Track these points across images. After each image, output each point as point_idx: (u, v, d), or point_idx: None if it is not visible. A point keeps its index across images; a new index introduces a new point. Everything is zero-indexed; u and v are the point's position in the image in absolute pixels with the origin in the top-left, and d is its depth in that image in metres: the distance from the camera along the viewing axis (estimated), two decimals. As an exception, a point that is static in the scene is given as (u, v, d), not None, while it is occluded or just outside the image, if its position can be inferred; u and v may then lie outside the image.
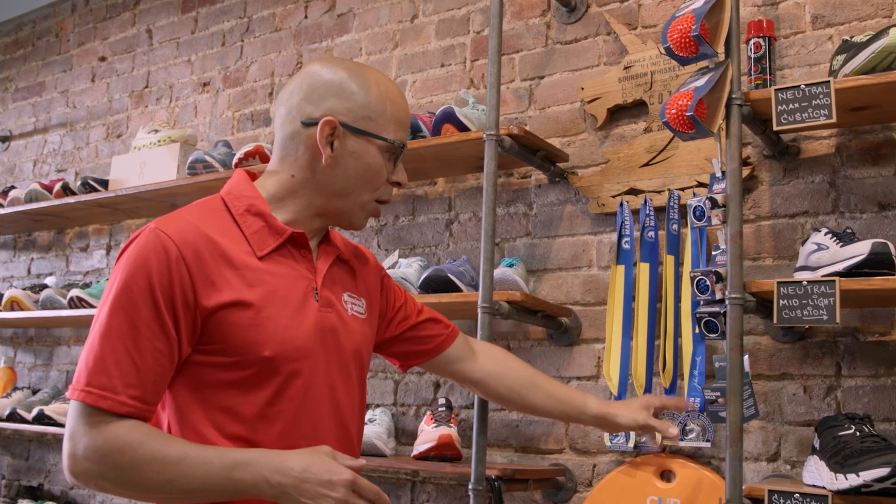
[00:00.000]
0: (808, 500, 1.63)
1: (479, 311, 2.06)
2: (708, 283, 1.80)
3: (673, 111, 1.76)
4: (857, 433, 1.69)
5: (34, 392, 3.43)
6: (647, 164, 2.29)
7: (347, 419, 1.40)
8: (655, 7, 2.38)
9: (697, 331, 1.83)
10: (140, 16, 3.78)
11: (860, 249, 1.69)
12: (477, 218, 2.58)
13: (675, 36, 1.78)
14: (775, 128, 1.79)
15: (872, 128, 2.02)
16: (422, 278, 2.29)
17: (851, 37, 1.87)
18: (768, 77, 2.01)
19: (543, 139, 2.33)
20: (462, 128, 2.32)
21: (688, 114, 1.74)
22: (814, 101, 1.75)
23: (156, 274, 1.24)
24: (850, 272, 1.70)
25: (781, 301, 1.71)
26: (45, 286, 3.46)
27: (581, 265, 2.37)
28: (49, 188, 3.33)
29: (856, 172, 2.03)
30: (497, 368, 1.73)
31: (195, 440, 1.26)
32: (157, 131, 3.16)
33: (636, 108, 2.36)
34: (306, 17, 3.17)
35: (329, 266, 1.43)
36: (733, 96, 1.81)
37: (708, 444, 2.03)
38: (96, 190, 3.18)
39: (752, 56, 2.02)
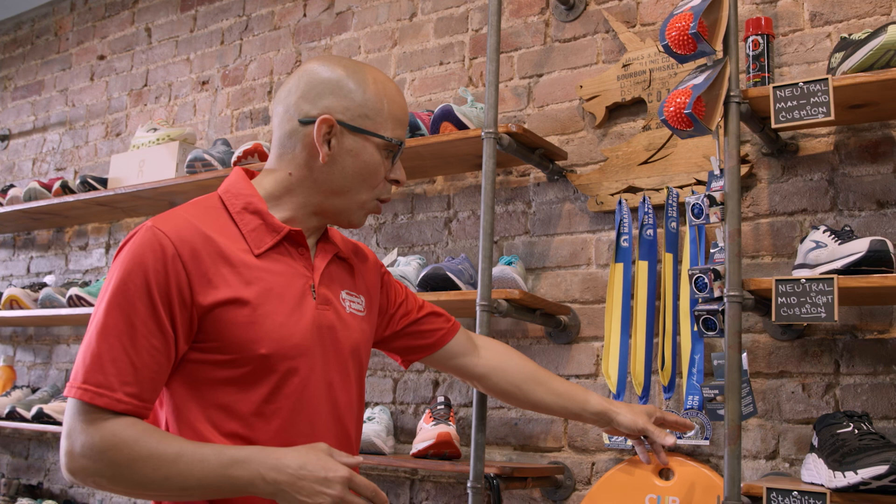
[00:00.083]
0: (806, 497, 1.63)
1: (477, 309, 2.06)
2: (706, 280, 1.80)
3: (671, 109, 1.76)
4: (856, 431, 1.69)
5: (33, 391, 3.43)
6: (645, 162, 2.29)
7: (345, 417, 1.40)
8: (654, 5, 2.38)
9: (696, 329, 1.83)
10: (139, 14, 3.78)
11: (858, 247, 1.69)
12: (476, 216, 2.58)
13: (674, 33, 1.78)
14: (773, 125, 1.79)
15: (871, 125, 2.02)
16: (420, 276, 2.29)
17: (850, 34, 1.87)
18: (766, 75, 2.00)
19: (542, 137, 2.33)
20: (461, 126, 2.32)
21: (686, 111, 1.74)
22: (812, 99, 1.75)
23: (152, 272, 1.24)
24: (848, 270, 1.70)
25: (780, 299, 1.71)
26: (44, 285, 3.46)
27: (580, 263, 2.37)
28: (48, 187, 3.33)
29: (854, 170, 2.03)
30: (499, 363, 1.73)
31: (192, 438, 1.26)
32: (155, 130, 3.16)
33: (635, 106, 2.36)
34: (305, 15, 3.16)
35: (327, 264, 1.43)
36: (731, 94, 1.81)
37: (707, 442, 2.03)
38: (95, 188, 3.18)
39: (751, 54, 2.02)
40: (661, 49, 1.82)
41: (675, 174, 2.24)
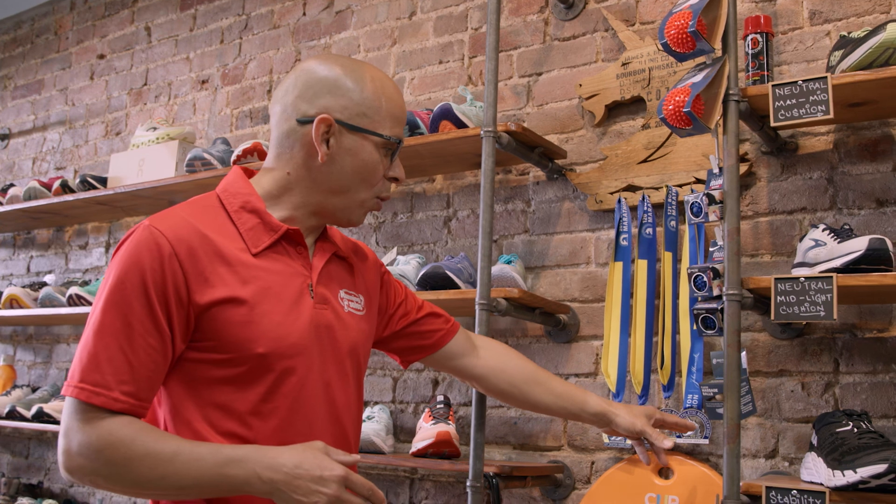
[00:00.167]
0: (805, 496, 1.63)
1: (476, 308, 2.06)
2: (705, 279, 1.80)
3: (670, 107, 1.76)
4: (855, 430, 1.69)
5: (34, 390, 3.43)
6: (644, 161, 2.29)
7: (343, 416, 1.40)
8: (653, 3, 2.38)
9: (695, 327, 1.83)
10: (139, 13, 3.78)
11: (857, 245, 1.69)
12: (475, 215, 2.58)
13: (672, 32, 1.78)
14: (773, 124, 1.79)
15: (870, 124, 2.02)
16: (420, 275, 2.28)
17: (849, 32, 1.86)
18: (766, 73, 2.00)
19: (541, 136, 2.33)
20: (460, 124, 2.31)
21: (685, 110, 1.73)
22: (811, 97, 1.74)
23: (149, 271, 1.24)
24: (847, 268, 1.69)
25: (779, 297, 1.70)
26: (44, 284, 3.46)
27: (579, 262, 2.37)
28: (48, 186, 3.33)
29: (854, 169, 2.02)
30: (498, 364, 1.73)
31: (189, 436, 1.26)
32: (155, 129, 3.16)
33: (634, 105, 2.36)
34: (304, 14, 3.16)
35: (325, 263, 1.43)
36: (730, 92, 1.80)
37: (706, 441, 2.03)
38: (95, 187, 3.18)
39: (750, 52, 2.02)
40: (660, 47, 1.81)
41: (675, 173, 2.23)
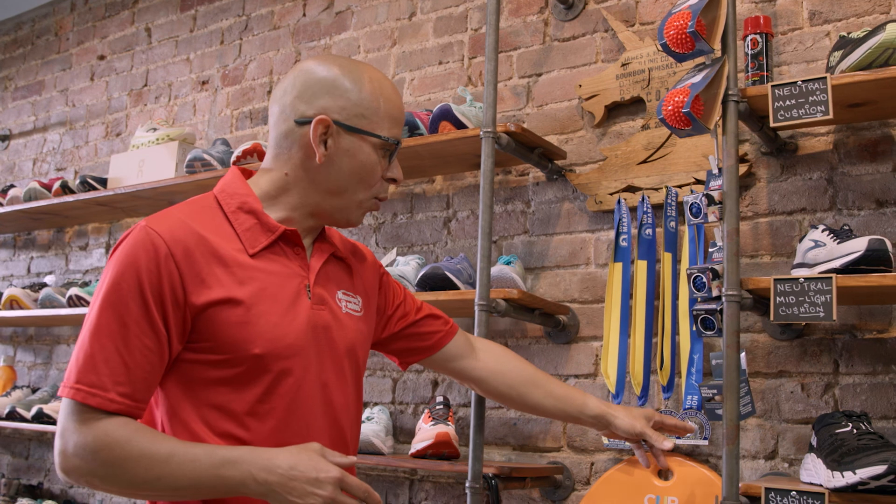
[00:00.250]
0: (804, 497, 1.63)
1: (476, 308, 2.05)
2: (704, 280, 1.80)
3: (669, 108, 1.76)
4: (855, 431, 1.69)
5: (34, 391, 3.43)
6: (644, 162, 2.28)
7: (341, 417, 1.39)
8: (653, 4, 2.38)
9: (694, 328, 1.83)
10: (139, 14, 3.78)
11: (857, 246, 1.69)
12: (475, 216, 2.58)
13: (672, 32, 1.78)
14: (772, 124, 1.79)
15: (870, 124, 2.01)
16: (419, 276, 2.28)
17: (849, 33, 1.86)
18: (765, 73, 2.00)
19: (541, 136, 2.33)
20: (459, 125, 2.31)
21: (684, 110, 1.73)
22: (810, 98, 1.74)
23: (145, 271, 1.24)
24: (846, 269, 1.69)
25: (778, 298, 1.70)
26: (44, 285, 3.46)
27: (579, 263, 2.37)
28: (48, 187, 3.33)
29: (853, 169, 2.02)
30: (497, 366, 1.72)
31: (186, 437, 1.26)
32: (155, 129, 3.16)
33: (634, 106, 2.35)
34: (304, 15, 3.16)
35: (323, 263, 1.42)
36: (730, 93, 1.80)
37: (706, 442, 2.02)
38: (95, 188, 3.18)
39: (749, 52, 2.02)
40: (660, 48, 1.81)
41: (674, 173, 2.23)
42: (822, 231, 1.81)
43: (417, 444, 2.24)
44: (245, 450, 1.23)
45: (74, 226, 3.71)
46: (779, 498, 1.65)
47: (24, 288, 3.42)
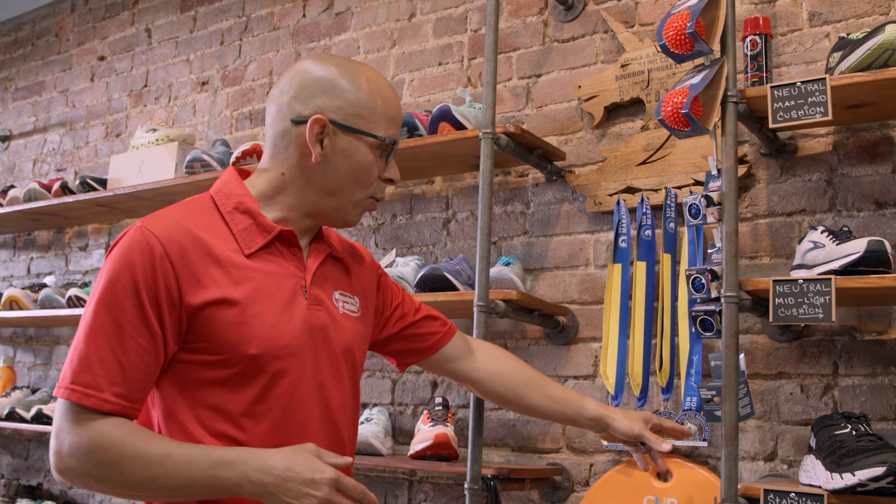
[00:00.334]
0: (803, 499, 1.62)
1: (474, 309, 2.05)
2: (703, 281, 1.79)
3: (668, 108, 1.76)
4: (854, 432, 1.68)
5: (33, 391, 3.43)
6: (644, 163, 2.28)
7: (338, 418, 1.39)
8: (652, 5, 2.37)
9: (693, 330, 1.82)
10: (139, 15, 3.78)
11: (856, 247, 1.69)
12: (474, 217, 2.58)
13: (671, 33, 1.78)
14: (771, 125, 1.79)
15: (869, 125, 2.01)
16: (418, 277, 2.28)
17: (848, 34, 1.86)
18: (765, 74, 2.00)
19: (540, 137, 2.33)
20: (458, 126, 2.31)
21: (683, 111, 1.73)
22: (810, 99, 1.74)
23: (140, 272, 1.24)
24: (846, 270, 1.69)
25: (777, 299, 1.70)
26: (44, 285, 3.46)
27: (578, 264, 2.37)
28: (48, 187, 3.33)
29: (853, 170, 2.02)
30: (495, 368, 1.72)
31: (182, 438, 1.26)
32: (155, 130, 3.16)
33: (633, 107, 2.35)
34: (304, 15, 3.16)
35: (320, 264, 1.42)
36: (729, 93, 1.80)
37: (705, 444, 2.02)
38: (95, 189, 3.18)
39: (749, 53, 2.01)
40: (659, 49, 1.81)
41: (674, 174, 2.23)
42: (822, 232, 1.81)
43: (416, 445, 2.24)
44: (240, 450, 1.23)
45: (74, 226, 3.71)
46: (778, 499, 1.65)
47: (23, 289, 3.42)
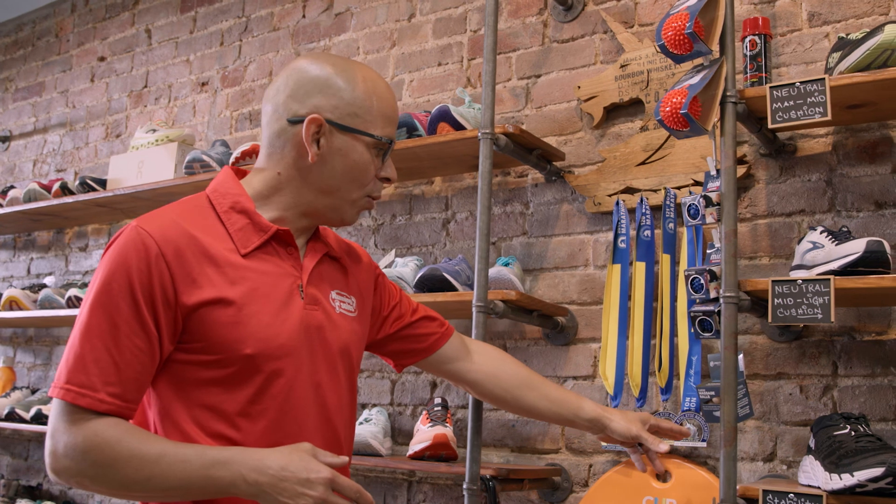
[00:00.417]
0: (802, 500, 1.62)
1: (473, 310, 2.05)
2: (702, 281, 1.79)
3: (667, 109, 1.75)
4: (853, 433, 1.68)
5: (33, 392, 3.43)
6: (643, 163, 2.28)
7: (335, 418, 1.39)
8: (652, 5, 2.37)
9: (692, 330, 1.82)
10: (139, 15, 3.78)
11: (855, 248, 1.68)
12: (474, 217, 2.58)
13: (670, 33, 1.77)
14: (770, 126, 1.78)
15: (869, 126, 2.01)
16: (417, 277, 2.28)
17: (847, 34, 1.86)
18: (764, 75, 2.00)
19: (539, 138, 2.32)
20: (458, 127, 2.31)
21: (682, 111, 1.73)
22: (809, 99, 1.74)
23: (135, 271, 1.23)
24: (845, 271, 1.69)
25: (776, 300, 1.70)
26: (44, 286, 3.46)
27: (577, 264, 2.36)
28: (48, 188, 3.33)
29: (852, 171, 2.02)
30: (492, 369, 1.71)
31: (178, 438, 1.26)
32: (154, 131, 3.16)
33: (633, 107, 2.35)
34: (304, 16, 3.16)
35: (316, 263, 1.42)
36: (728, 94, 1.80)
37: (704, 444, 2.02)
38: (94, 189, 3.18)
39: (748, 54, 2.01)
40: (658, 49, 1.81)
41: (673, 175, 2.23)
42: (821, 233, 1.81)
43: (415, 446, 2.24)
44: (235, 450, 1.22)
45: (74, 227, 3.72)
46: (776, 500, 1.65)
47: (23, 289, 3.42)
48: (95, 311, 1.22)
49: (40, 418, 3.08)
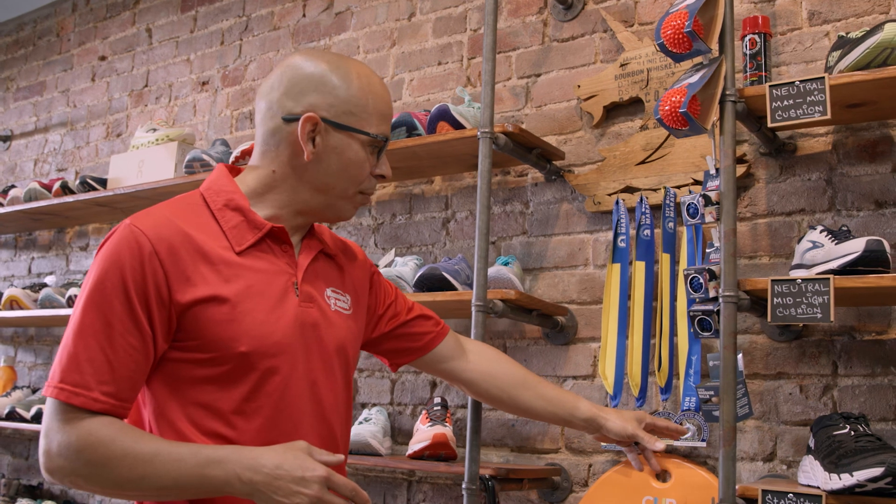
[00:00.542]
0: (801, 500, 1.62)
1: (472, 309, 2.05)
2: (701, 280, 1.79)
3: (666, 108, 1.75)
4: (852, 433, 1.68)
5: (34, 391, 3.43)
6: (643, 162, 2.28)
7: (330, 416, 1.38)
8: (652, 4, 2.37)
9: (692, 329, 1.82)
10: (140, 15, 3.78)
11: (854, 247, 1.68)
12: (473, 216, 2.57)
13: (669, 32, 1.77)
14: (770, 124, 1.78)
15: (869, 125, 2.00)
16: (416, 277, 2.28)
17: (847, 33, 1.85)
18: (764, 74, 1.99)
19: (539, 137, 2.32)
20: (457, 126, 2.31)
21: (681, 110, 1.72)
22: (808, 98, 1.73)
23: (129, 270, 1.23)
24: (844, 270, 1.68)
25: (775, 299, 1.69)
26: (44, 285, 3.46)
27: (577, 264, 2.36)
28: (48, 187, 3.33)
29: (852, 170, 2.01)
30: (488, 368, 1.70)
31: (173, 437, 1.25)
32: (155, 130, 3.16)
33: (632, 106, 2.35)
34: (304, 15, 3.16)
35: (311, 261, 1.41)
36: (727, 93, 1.79)
37: (704, 444, 2.01)
38: (95, 189, 3.18)
39: (748, 53, 2.01)
40: (657, 48, 1.80)
41: (673, 174, 2.22)
42: (821, 232, 1.80)
43: (414, 445, 2.23)
44: (230, 449, 1.22)
45: (75, 226, 3.72)
46: (776, 500, 1.64)
47: (24, 288, 3.42)
48: (89, 310, 1.22)
49: (41, 418, 3.07)
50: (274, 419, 1.30)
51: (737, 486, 1.69)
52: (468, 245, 2.56)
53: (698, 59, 1.87)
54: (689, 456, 2.09)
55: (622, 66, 2.35)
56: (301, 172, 1.37)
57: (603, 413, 1.69)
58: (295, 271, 1.38)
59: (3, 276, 3.98)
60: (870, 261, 1.66)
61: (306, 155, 1.34)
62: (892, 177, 1.97)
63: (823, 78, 1.72)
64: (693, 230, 2.10)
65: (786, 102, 1.75)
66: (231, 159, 2.72)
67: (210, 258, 1.29)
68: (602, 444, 2.15)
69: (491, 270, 2.18)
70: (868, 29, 1.78)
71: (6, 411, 3.22)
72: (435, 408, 2.32)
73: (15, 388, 3.46)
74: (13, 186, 3.54)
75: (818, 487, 1.64)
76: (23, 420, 3.16)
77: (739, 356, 1.77)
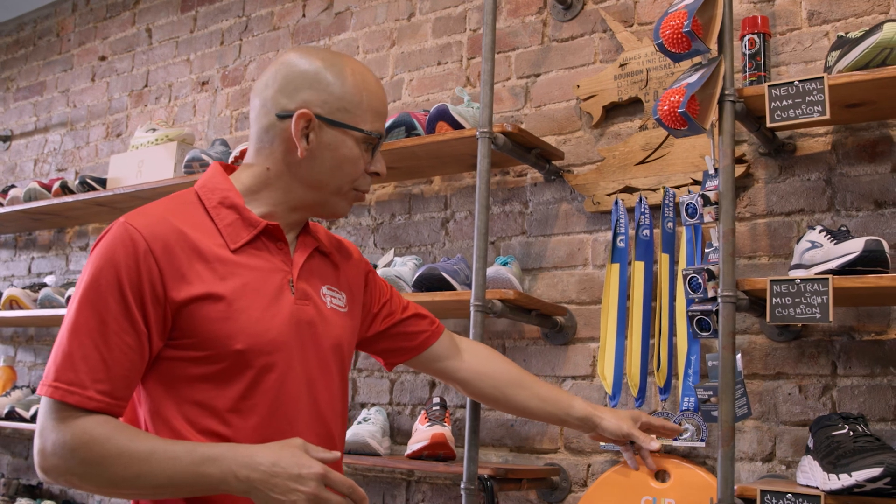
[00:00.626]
0: (800, 500, 1.61)
1: (471, 309, 2.04)
2: (700, 280, 1.78)
3: (665, 108, 1.75)
4: (851, 433, 1.67)
5: (33, 391, 3.43)
6: (642, 162, 2.27)
7: (326, 414, 1.38)
8: (651, 4, 2.37)
9: (690, 329, 1.81)
10: (140, 15, 3.78)
11: (853, 247, 1.68)
12: (473, 216, 2.57)
13: (668, 32, 1.77)
14: (769, 124, 1.78)
15: (868, 125, 2.00)
16: (415, 276, 2.27)
17: (847, 33, 1.85)
18: (763, 73, 1.99)
19: (538, 137, 2.32)
20: (456, 126, 2.30)
21: (680, 110, 1.72)
22: (807, 98, 1.73)
23: (123, 268, 1.23)
24: (843, 270, 1.68)
25: (774, 299, 1.69)
26: (44, 285, 3.46)
27: (576, 264, 2.36)
28: (48, 187, 3.33)
29: (852, 170, 2.01)
30: (483, 367, 1.70)
31: (168, 435, 1.25)
32: (154, 130, 3.16)
33: (632, 106, 2.34)
34: (304, 15, 3.16)
35: (306, 258, 1.41)
36: (726, 93, 1.79)
37: (703, 444, 2.01)
38: (94, 189, 3.18)
39: (747, 52, 2.01)
40: (656, 48, 1.80)
41: (672, 174, 2.22)
42: (820, 232, 1.80)
43: (413, 445, 2.23)
44: (226, 447, 1.21)
45: (75, 226, 3.72)
46: (774, 500, 1.64)
47: (23, 288, 3.42)
48: (83, 308, 1.22)
49: (40, 417, 3.08)
50: (270, 417, 1.30)
51: (735, 487, 1.69)
52: (467, 245, 2.56)
53: (697, 59, 1.87)
54: (688, 456, 2.08)
55: (621, 66, 2.34)
56: (295, 169, 1.37)
57: (598, 412, 1.69)
58: (290, 269, 1.37)
59: (2, 276, 3.98)
60: (869, 261, 1.65)
61: (300, 151, 1.34)
62: (891, 177, 1.97)
63: (822, 78, 1.72)
64: (692, 230, 2.09)
65: (785, 102, 1.75)
66: (230, 159, 2.72)
67: (205, 256, 1.28)
68: (601, 444, 2.15)
69: (490, 270, 2.18)
70: (867, 29, 1.78)
71: (6, 411, 3.22)
72: (434, 408, 2.32)
73: (14, 387, 3.46)
74: (13, 186, 3.54)
75: (817, 488, 1.64)
76: (22, 420, 3.16)
77: (738, 356, 1.76)
